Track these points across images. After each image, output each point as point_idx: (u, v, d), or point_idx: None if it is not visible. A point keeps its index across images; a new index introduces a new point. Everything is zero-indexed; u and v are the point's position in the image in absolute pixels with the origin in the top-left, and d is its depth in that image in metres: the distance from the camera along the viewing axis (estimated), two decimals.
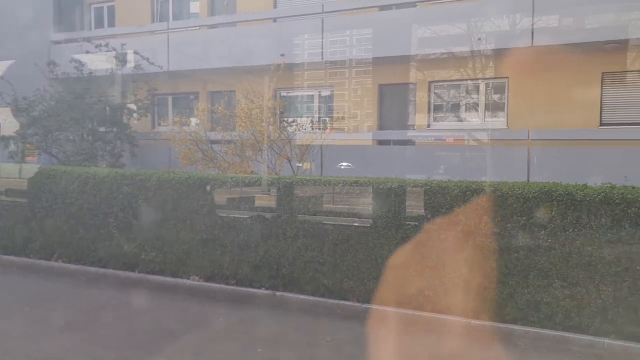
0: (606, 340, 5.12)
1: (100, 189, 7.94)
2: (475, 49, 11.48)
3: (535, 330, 5.41)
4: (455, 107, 12.78)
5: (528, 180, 9.29)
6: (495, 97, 12.23)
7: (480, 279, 5.68)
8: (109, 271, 7.74)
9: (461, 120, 12.63)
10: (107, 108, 13.76)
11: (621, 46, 10.55)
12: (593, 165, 10.15)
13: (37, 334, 5.54)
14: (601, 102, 11.03)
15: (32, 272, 8.06)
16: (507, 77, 11.75)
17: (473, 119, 12.48)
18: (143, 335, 5.64)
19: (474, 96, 12.43)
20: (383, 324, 5.94)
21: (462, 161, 11.69)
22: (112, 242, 7.82)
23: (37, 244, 8.39)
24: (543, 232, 5.44)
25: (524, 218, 5.54)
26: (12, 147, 12.75)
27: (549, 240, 5.41)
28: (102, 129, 13.64)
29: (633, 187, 5.27)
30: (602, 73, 10.96)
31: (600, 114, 11.05)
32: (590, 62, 10.86)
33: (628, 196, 5.15)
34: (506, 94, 11.87)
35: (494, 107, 12.25)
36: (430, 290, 5.87)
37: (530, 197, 5.51)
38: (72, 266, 7.99)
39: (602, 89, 10.99)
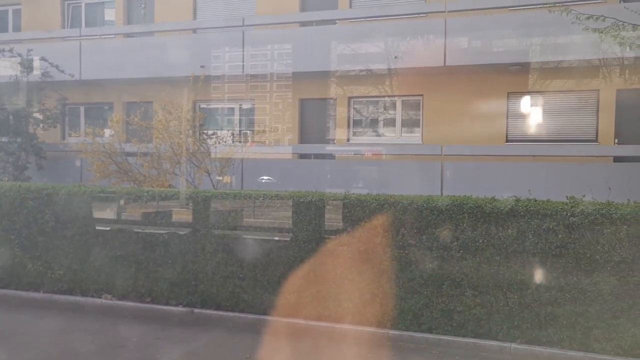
0: (513, 345, 5.41)
1: (1, 204, 7.38)
2: (392, 67, 11.91)
3: (449, 338, 5.62)
4: (374, 123, 13.16)
5: (442, 194, 9.76)
6: (411, 113, 12.74)
7: (397, 290, 5.83)
8: (10, 292, 7.19)
9: (379, 135, 13.02)
10: (11, 117, 12.88)
11: (524, 68, 11.37)
12: (501, 179, 10.80)
13: None
14: (507, 120, 11.80)
15: None
16: (422, 95, 12.29)
17: (390, 134, 12.90)
18: (51, 358, 5.26)
19: (391, 112, 12.87)
20: (303, 337, 5.93)
21: (380, 175, 12.03)
22: (14, 261, 7.28)
23: None
24: (455, 243, 5.69)
25: (437, 230, 5.77)
26: None
27: (461, 251, 5.66)
28: (4, 139, 12.74)
29: (536, 200, 5.64)
30: (508, 92, 11.75)
31: (507, 130, 11.81)
32: (497, 82, 11.61)
33: (531, 208, 5.51)
34: (421, 111, 12.39)
35: (409, 123, 12.74)
36: (350, 302, 5.95)
37: (444, 209, 5.75)
38: None
39: (507, 107, 11.77)
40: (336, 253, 6.11)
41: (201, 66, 11.71)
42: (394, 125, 12.82)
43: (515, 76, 11.53)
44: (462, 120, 11.63)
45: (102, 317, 6.55)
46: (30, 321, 6.47)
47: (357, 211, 6.08)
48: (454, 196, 6.00)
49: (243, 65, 12.54)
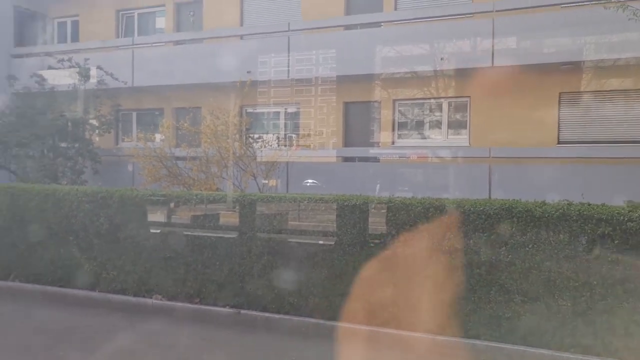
0: (566, 355, 5.23)
1: (60, 206, 7.73)
2: (438, 69, 11.77)
3: (497, 345, 5.49)
4: (419, 125, 13.03)
5: (489, 197, 9.54)
6: (458, 115, 12.53)
7: (443, 295, 5.75)
8: (69, 291, 7.51)
9: (425, 138, 12.87)
10: (69, 124, 13.49)
11: (576, 68, 11.00)
12: (551, 182, 10.47)
13: None
14: (559, 121, 11.44)
15: None
16: (469, 96, 12.07)
17: (436, 137, 12.74)
18: (103, 356, 5.47)
19: (437, 114, 12.71)
20: (348, 341, 5.93)
21: (426, 178, 11.89)
22: (72, 262, 7.61)
23: None
24: (504, 248, 5.56)
25: (485, 234, 5.65)
26: None
27: (510, 256, 5.53)
28: (63, 145, 13.35)
29: (589, 204, 5.44)
30: (560, 93, 11.38)
31: (558, 132, 11.45)
32: (548, 82, 11.28)
33: (585, 213, 5.31)
34: (468, 113, 12.18)
35: (456, 125, 12.54)
36: (395, 306, 5.90)
37: (492, 213, 5.63)
38: (30, 286, 7.72)
39: (559, 108, 11.41)
40: (380, 257, 6.09)
41: (247, 71, 11.93)
42: (440, 128, 12.65)
43: (567, 76, 11.17)
44: (511, 121, 11.36)
45: (152, 317, 6.75)
46: (86, 320, 6.74)
47: (401, 215, 6.04)
48: (502, 200, 5.86)
49: (288, 69, 12.69)
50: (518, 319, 5.48)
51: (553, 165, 11.11)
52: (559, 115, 11.41)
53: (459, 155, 11.97)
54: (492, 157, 11.32)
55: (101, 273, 7.43)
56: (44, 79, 13.35)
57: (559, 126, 11.44)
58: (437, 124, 12.74)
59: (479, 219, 5.67)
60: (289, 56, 12.66)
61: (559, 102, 11.39)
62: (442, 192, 10.54)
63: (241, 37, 14.34)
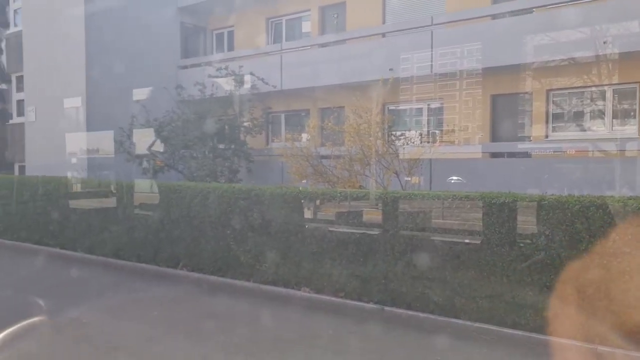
0: None
1: (219, 203, 8.46)
2: (600, 54, 10.67)
3: None
4: (577, 116, 11.93)
5: None
6: (625, 103, 11.25)
7: (607, 302, 5.23)
8: (227, 280, 8.20)
9: (584, 130, 11.75)
10: (226, 127, 14.68)
11: None
12: None
13: (160, 335, 6.02)
14: None
15: (161, 279, 8.78)
16: (638, 82, 10.77)
17: (598, 128, 11.56)
18: (258, 341, 5.90)
19: (599, 104, 11.53)
20: (499, 345, 5.67)
21: (585, 174, 10.84)
22: (229, 254, 8.29)
23: (165, 254, 9.11)
24: None
25: None
26: (144, 164, 14.04)
27: None
28: (221, 147, 14.57)
29: None
30: None
31: None
32: None
33: None
34: (637, 100, 10.88)
35: (622, 115, 11.26)
36: (546, 310, 5.52)
37: None
38: (195, 274, 8.58)
39: None
40: (531, 258, 5.73)
41: (390, 69, 11.92)
42: (603, 118, 11.47)
43: None
44: None
45: (301, 309, 7.10)
46: (243, 308, 7.32)
47: (556, 214, 5.62)
48: None
49: (431, 64, 12.42)
50: None
51: None
52: None
53: (627, 148, 10.72)
54: None
55: (254, 265, 7.98)
56: (204, 87, 14.70)
57: None
58: (599, 114, 11.56)
59: None
60: (432, 51, 12.40)
61: None
62: (606, 189, 9.55)
63: (383, 35, 14.38)
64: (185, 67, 17.37)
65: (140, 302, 7.58)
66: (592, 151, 11.23)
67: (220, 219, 8.43)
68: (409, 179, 10.16)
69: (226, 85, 14.62)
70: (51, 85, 15.75)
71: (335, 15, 15.48)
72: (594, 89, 11.51)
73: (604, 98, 11.42)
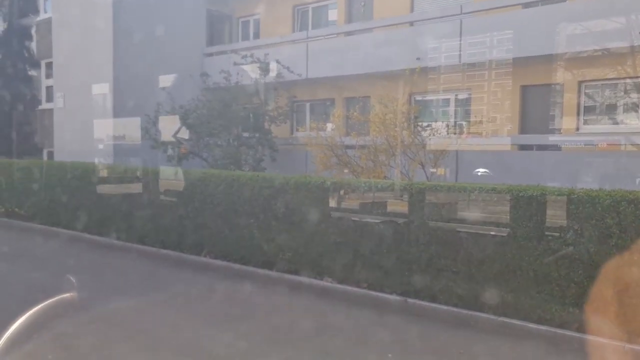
0: None
1: (243, 191, 8.48)
2: (635, 44, 10.34)
3: None
4: (611, 109, 11.61)
5: None
6: None
7: (638, 300, 5.10)
8: (250, 269, 8.22)
9: (617, 123, 11.43)
10: (251, 115, 14.70)
11: None
12: None
13: (185, 321, 6.10)
14: None
15: (185, 265, 8.86)
16: None
17: (632, 121, 11.23)
18: (279, 330, 5.92)
19: (634, 96, 11.19)
20: (519, 340, 5.59)
21: (617, 168, 10.56)
22: (253, 242, 8.31)
23: (189, 240, 9.19)
24: None
25: None
26: (169, 151, 14.16)
27: None
28: (245, 135, 14.60)
29: None
30: None
31: None
32: None
33: None
34: None
35: None
36: (575, 306, 5.41)
37: None
38: (218, 262, 8.63)
39: None
40: (558, 253, 5.61)
41: (417, 58, 11.76)
42: (637, 111, 11.14)
43: None
44: None
45: (323, 298, 7.09)
46: (265, 296, 7.36)
47: (586, 208, 5.48)
48: None
49: (460, 54, 12.20)
50: None
51: None
52: None
53: None
54: None
55: (278, 254, 7.99)
56: (230, 75, 14.71)
57: None
58: (633, 107, 11.22)
59: None
60: (460, 40, 12.17)
61: None
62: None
63: (411, 23, 14.18)
64: (211, 54, 17.41)
65: (166, 289, 7.66)
66: (625, 145, 10.92)
67: (244, 208, 8.45)
68: (435, 170, 10.05)
69: (251, 73, 14.60)
70: (79, 72, 15.98)
71: (363, 4, 15.31)
72: (628, 80, 11.17)
73: (638, 90, 11.07)
